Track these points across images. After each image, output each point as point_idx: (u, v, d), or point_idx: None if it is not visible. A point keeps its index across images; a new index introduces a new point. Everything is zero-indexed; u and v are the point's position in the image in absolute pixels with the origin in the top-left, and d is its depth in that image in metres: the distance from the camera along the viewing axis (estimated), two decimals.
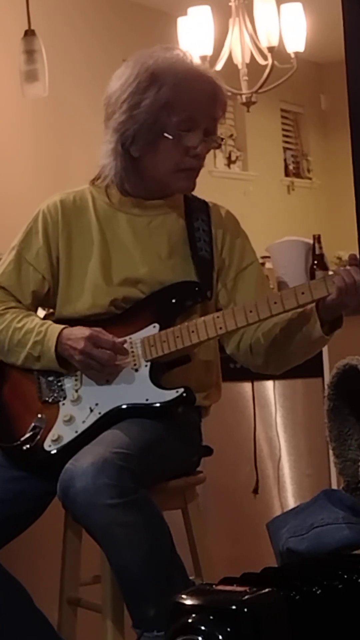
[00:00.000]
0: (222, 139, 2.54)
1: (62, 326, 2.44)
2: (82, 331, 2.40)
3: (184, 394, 2.37)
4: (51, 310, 2.57)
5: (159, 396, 2.38)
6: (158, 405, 2.37)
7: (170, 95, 2.40)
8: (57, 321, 2.49)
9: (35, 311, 2.56)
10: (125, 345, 2.41)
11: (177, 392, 2.37)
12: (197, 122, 2.43)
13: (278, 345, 2.45)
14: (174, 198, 2.54)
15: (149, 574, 2.22)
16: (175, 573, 2.26)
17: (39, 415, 2.45)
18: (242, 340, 2.49)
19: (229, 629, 1.45)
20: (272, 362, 2.50)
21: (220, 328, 2.37)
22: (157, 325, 2.42)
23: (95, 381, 2.42)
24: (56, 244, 2.50)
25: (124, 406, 2.38)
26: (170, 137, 2.42)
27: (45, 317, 2.55)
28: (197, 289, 2.47)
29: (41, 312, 2.63)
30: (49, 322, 2.48)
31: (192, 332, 2.38)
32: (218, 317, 2.38)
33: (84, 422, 2.40)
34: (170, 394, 2.37)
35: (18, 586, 2.43)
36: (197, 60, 2.54)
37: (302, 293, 2.31)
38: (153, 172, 2.47)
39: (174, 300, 2.45)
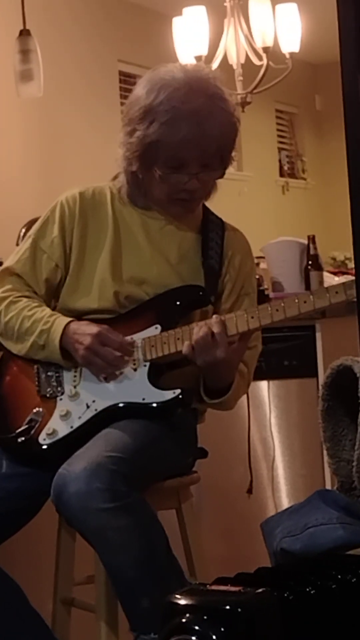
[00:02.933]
0: (224, 173, 2.48)
1: (70, 319, 2.45)
2: (90, 327, 2.41)
3: (180, 396, 2.37)
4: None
5: (156, 396, 2.38)
6: (154, 405, 2.37)
7: (159, 133, 2.38)
8: (60, 311, 2.50)
9: (50, 302, 2.55)
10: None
11: (173, 393, 2.38)
12: (185, 163, 2.41)
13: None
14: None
15: (143, 578, 2.22)
16: (171, 575, 2.26)
17: (36, 409, 2.46)
18: None
19: (222, 629, 1.45)
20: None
21: None
22: (159, 326, 2.43)
23: (96, 376, 2.42)
24: (71, 235, 2.52)
25: (121, 404, 2.39)
26: (158, 172, 2.42)
27: (53, 309, 2.56)
28: (201, 293, 2.48)
29: None
30: (58, 314, 2.49)
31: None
32: None
33: (79, 417, 2.41)
34: (167, 395, 2.38)
35: (13, 585, 2.43)
36: (218, 81, 2.43)
37: (305, 302, 2.30)
38: (153, 193, 2.49)
39: (178, 303, 2.46)
